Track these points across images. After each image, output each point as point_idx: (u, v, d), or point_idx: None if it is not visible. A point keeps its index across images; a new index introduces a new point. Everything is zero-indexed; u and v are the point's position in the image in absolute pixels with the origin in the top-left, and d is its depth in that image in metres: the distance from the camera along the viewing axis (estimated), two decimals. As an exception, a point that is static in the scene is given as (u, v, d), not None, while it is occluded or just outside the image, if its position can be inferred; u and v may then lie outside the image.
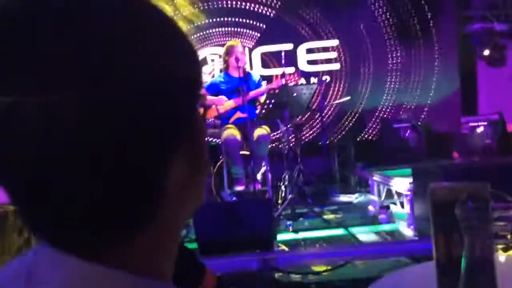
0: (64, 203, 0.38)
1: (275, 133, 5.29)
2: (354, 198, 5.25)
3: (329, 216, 4.33)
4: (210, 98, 4.65)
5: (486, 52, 6.48)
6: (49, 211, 0.39)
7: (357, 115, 6.53)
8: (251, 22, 6.45)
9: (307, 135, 6.42)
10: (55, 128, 0.36)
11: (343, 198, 5.32)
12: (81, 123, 0.36)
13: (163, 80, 0.40)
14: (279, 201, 4.64)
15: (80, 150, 0.37)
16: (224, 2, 6.44)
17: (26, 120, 0.36)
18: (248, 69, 5.48)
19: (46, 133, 0.36)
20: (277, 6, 6.47)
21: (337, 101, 6.08)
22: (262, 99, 4.43)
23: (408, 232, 3.65)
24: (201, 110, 0.46)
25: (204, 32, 6.41)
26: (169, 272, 0.46)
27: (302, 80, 6.28)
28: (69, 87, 0.36)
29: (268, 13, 6.48)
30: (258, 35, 6.47)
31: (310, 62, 6.55)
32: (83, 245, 0.40)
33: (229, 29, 6.46)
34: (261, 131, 4.41)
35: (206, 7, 6.43)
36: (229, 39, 6.26)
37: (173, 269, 0.47)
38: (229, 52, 4.57)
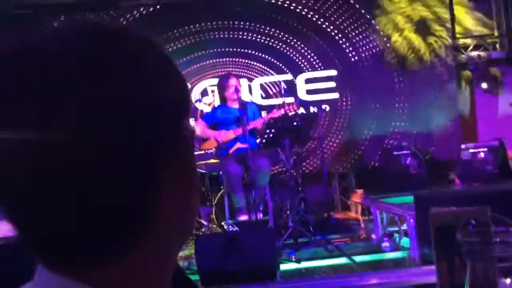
0: (55, 229, 0.40)
1: (276, 162, 5.29)
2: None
3: (331, 245, 4.29)
4: (209, 131, 4.66)
5: (484, 85, 6.57)
6: (41, 236, 0.41)
7: (359, 143, 6.54)
8: (250, 52, 6.53)
9: (308, 163, 6.42)
10: (46, 158, 0.39)
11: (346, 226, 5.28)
12: (69, 152, 0.39)
13: (149, 105, 0.42)
14: (282, 231, 4.60)
15: (68, 177, 0.39)
16: (224, 33, 6.54)
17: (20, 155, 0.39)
18: (247, 99, 5.52)
19: (37, 165, 0.39)
20: (278, 37, 6.57)
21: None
22: (262, 128, 4.44)
23: (412, 260, 3.61)
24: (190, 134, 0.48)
25: (204, 63, 6.49)
26: None
27: (302, 110, 6.32)
28: (59, 114, 0.39)
29: (267, 43, 6.57)
30: (258, 65, 6.55)
31: (310, 92, 6.60)
32: (75, 267, 0.42)
33: (229, 59, 6.54)
34: (262, 160, 4.41)
35: (205, 38, 6.53)
36: (229, 69, 6.34)
37: None
38: (223, 86, 4.59)
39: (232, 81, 4.55)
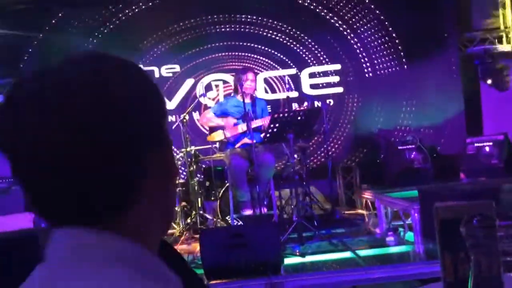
0: (66, 194, 0.54)
1: (281, 157, 5.29)
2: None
3: (336, 239, 4.29)
4: (219, 120, 4.66)
5: (489, 81, 6.55)
6: (53, 200, 0.55)
7: (366, 138, 6.53)
8: (255, 46, 6.52)
9: (313, 158, 6.42)
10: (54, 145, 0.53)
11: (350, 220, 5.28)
12: (75, 143, 0.53)
13: (141, 111, 0.58)
14: (286, 225, 4.61)
15: (74, 159, 0.53)
16: (226, 26, 6.53)
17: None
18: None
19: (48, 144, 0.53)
20: (282, 31, 6.55)
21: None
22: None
23: (416, 254, 3.61)
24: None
25: (208, 57, 6.48)
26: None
27: (305, 104, 6.30)
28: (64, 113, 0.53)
29: (272, 37, 6.55)
30: (262, 59, 6.53)
31: (314, 86, 6.59)
32: (84, 222, 0.56)
33: (233, 53, 6.53)
34: (266, 154, 4.41)
35: (209, 32, 6.51)
36: (233, 64, 6.33)
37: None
38: (240, 78, 4.59)
39: (249, 75, 4.56)
